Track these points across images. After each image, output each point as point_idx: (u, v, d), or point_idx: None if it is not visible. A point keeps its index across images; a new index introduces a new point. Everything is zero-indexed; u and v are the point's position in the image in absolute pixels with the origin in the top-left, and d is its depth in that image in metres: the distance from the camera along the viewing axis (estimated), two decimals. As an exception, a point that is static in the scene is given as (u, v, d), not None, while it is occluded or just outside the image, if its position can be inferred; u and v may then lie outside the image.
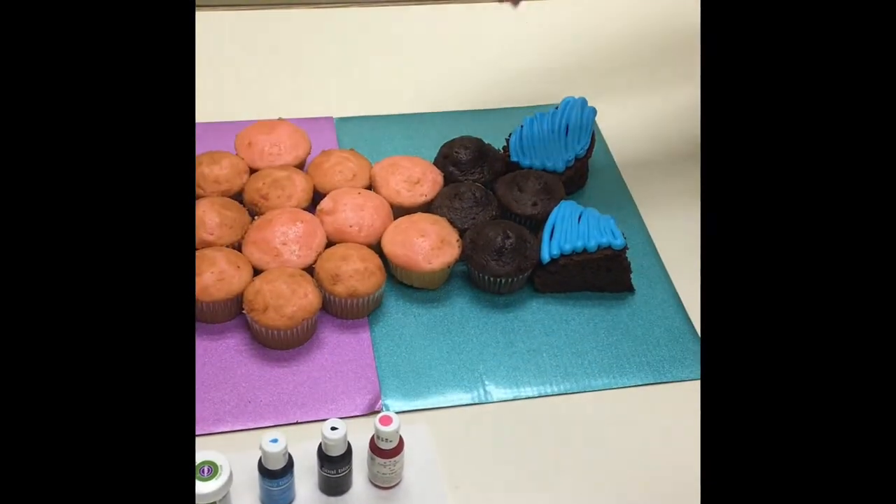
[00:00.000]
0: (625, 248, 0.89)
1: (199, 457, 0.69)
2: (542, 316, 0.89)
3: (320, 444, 0.72)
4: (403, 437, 0.75)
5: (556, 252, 0.88)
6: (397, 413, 0.79)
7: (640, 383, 0.85)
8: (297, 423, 0.79)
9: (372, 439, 0.73)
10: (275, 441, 0.69)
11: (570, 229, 0.90)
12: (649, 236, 0.98)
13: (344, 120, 1.08)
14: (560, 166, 0.97)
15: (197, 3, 1.23)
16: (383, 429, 0.71)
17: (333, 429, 0.71)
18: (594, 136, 1.01)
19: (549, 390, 0.83)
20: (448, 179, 0.97)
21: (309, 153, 0.99)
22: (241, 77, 1.13)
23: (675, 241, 0.97)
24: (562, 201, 0.93)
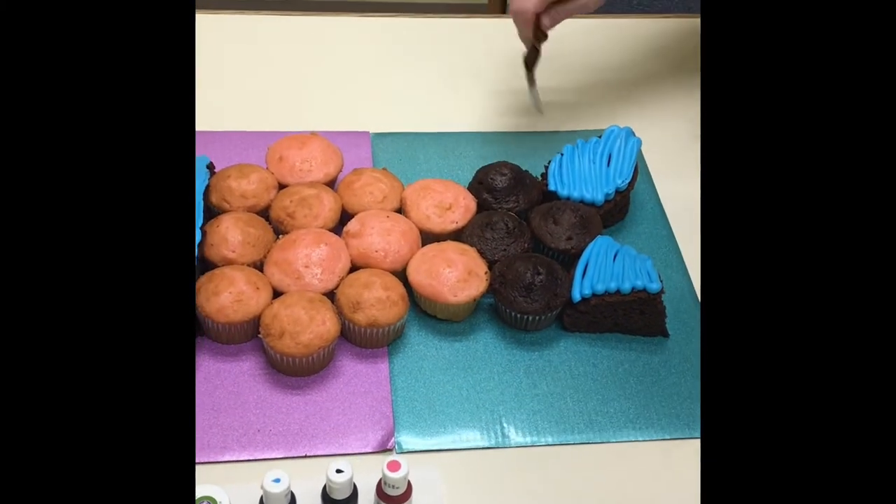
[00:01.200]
0: (661, 292, 0.84)
1: (199, 491, 0.67)
2: (568, 357, 0.85)
3: (325, 486, 0.69)
4: (413, 480, 0.72)
5: (587, 291, 0.84)
6: (409, 452, 0.77)
7: (668, 437, 0.80)
8: (305, 456, 0.76)
9: (379, 483, 0.70)
10: (277, 481, 0.67)
11: (604, 268, 0.86)
12: (689, 277, 0.93)
13: (380, 135, 1.05)
14: (599, 199, 0.93)
15: (240, 6, 1.22)
16: (391, 475, 0.68)
17: (339, 471, 0.68)
18: (637, 169, 0.97)
19: (570, 439, 0.79)
20: (481, 206, 0.93)
21: (341, 170, 0.96)
22: (281, 86, 1.11)
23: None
24: (598, 237, 0.89)
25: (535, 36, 0.98)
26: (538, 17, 0.96)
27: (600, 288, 0.84)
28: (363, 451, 0.77)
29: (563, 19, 0.97)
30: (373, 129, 1.06)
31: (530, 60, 1.02)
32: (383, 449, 0.77)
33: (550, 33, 0.98)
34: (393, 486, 0.69)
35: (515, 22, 0.97)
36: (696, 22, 1.25)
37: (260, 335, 0.80)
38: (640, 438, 0.80)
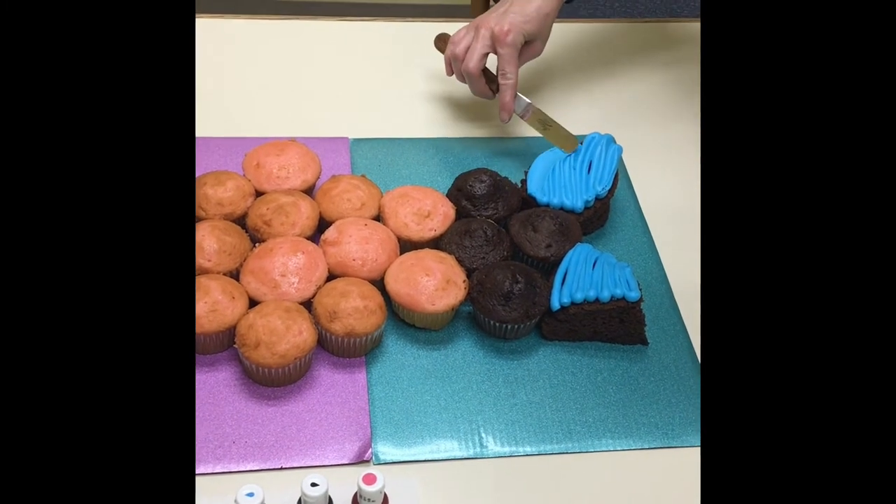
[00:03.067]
0: (640, 301, 0.84)
1: (172, 505, 0.66)
2: (547, 365, 0.85)
3: (300, 499, 0.68)
4: (391, 491, 0.71)
5: (566, 300, 0.84)
6: (386, 463, 0.76)
7: (646, 447, 0.80)
8: (280, 468, 0.75)
9: (354, 496, 0.69)
10: (251, 495, 0.66)
11: (583, 276, 0.85)
12: (668, 285, 0.93)
13: (359, 141, 1.04)
14: (579, 206, 0.92)
15: (217, 11, 1.20)
16: (366, 488, 0.67)
17: (314, 485, 0.67)
18: (618, 176, 0.96)
19: (548, 448, 0.79)
20: (460, 214, 0.93)
21: (318, 177, 0.95)
22: (258, 91, 1.10)
23: (697, 292, 0.91)
24: (577, 244, 0.89)
25: (489, 87, 1.00)
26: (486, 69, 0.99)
27: (579, 296, 0.84)
28: (340, 462, 0.76)
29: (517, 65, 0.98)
30: (352, 135, 1.05)
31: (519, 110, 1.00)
32: (360, 460, 0.76)
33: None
34: (368, 500, 0.68)
35: (467, 79, 1.00)
36: (680, 26, 1.25)
37: (235, 345, 0.80)
38: (619, 448, 0.80)
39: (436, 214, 0.91)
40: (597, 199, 0.94)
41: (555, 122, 1.00)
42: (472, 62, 0.97)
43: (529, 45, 0.99)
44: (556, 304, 0.84)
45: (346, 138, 1.04)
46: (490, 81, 1.00)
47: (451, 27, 1.15)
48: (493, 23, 0.97)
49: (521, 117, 1.01)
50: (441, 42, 1.07)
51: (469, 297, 0.85)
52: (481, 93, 1.01)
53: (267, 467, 0.75)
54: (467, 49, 0.98)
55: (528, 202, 0.94)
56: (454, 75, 1.02)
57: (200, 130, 1.02)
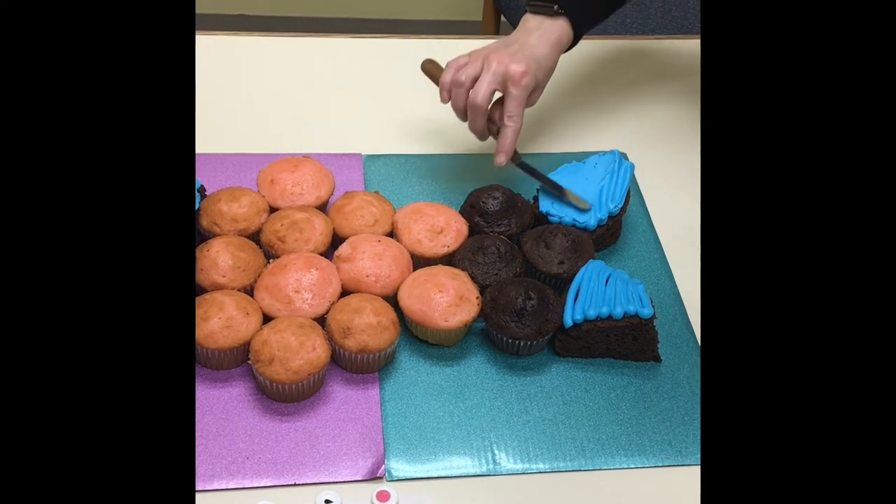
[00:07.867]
0: (653, 318, 0.84)
1: (186, 521, 0.66)
2: (560, 382, 0.85)
3: (313, 515, 0.69)
4: (403, 509, 0.71)
5: (579, 317, 0.84)
6: (399, 480, 0.76)
7: (660, 464, 0.80)
8: (294, 484, 0.75)
9: (368, 513, 0.70)
10: (265, 511, 0.66)
11: (596, 293, 0.85)
12: (681, 301, 0.93)
13: (372, 157, 1.05)
14: (591, 223, 0.93)
15: (233, 28, 1.22)
16: (380, 505, 0.68)
17: (327, 502, 0.67)
18: (630, 193, 0.96)
19: (561, 466, 0.79)
20: (473, 230, 0.93)
21: (332, 193, 0.96)
22: (272, 108, 1.11)
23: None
24: (590, 261, 0.89)
25: (488, 128, 0.94)
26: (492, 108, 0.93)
27: (592, 313, 0.84)
28: (353, 478, 0.76)
29: (520, 107, 0.92)
30: (365, 151, 1.06)
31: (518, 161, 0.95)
32: (373, 476, 0.76)
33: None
34: (382, 517, 0.68)
35: (469, 112, 0.93)
36: (689, 43, 1.26)
37: (249, 361, 0.80)
38: (633, 465, 0.79)
39: (449, 231, 0.91)
40: (609, 215, 0.94)
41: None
42: (480, 95, 0.90)
43: (532, 92, 0.93)
44: (568, 321, 0.84)
45: (360, 154, 1.05)
46: (488, 120, 0.93)
47: (464, 44, 1.16)
48: (508, 60, 0.90)
49: (514, 163, 0.95)
50: (432, 66, 0.99)
51: (482, 314, 0.85)
52: (480, 130, 0.93)
53: (280, 483, 0.75)
54: (473, 79, 0.91)
55: (541, 219, 0.94)
56: (449, 103, 0.94)
57: (215, 147, 1.03)
